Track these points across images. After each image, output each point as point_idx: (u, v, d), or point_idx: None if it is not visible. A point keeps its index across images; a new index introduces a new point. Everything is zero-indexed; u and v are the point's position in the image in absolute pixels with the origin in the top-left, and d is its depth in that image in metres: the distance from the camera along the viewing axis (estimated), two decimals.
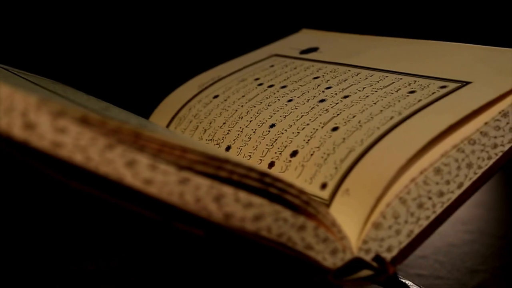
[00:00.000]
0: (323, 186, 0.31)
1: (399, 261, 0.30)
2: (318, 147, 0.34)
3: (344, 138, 0.33)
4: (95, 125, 0.22)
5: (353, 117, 0.34)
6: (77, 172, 0.22)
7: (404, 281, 0.36)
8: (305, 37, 0.51)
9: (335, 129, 0.34)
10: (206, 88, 0.46)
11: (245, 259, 0.36)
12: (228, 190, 0.25)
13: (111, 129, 0.23)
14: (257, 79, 0.44)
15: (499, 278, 0.46)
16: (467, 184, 0.31)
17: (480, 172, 0.31)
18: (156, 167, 0.24)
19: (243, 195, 0.26)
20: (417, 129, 0.31)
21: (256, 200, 0.26)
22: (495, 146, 0.32)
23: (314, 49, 0.47)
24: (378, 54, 0.42)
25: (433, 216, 0.30)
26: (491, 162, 0.32)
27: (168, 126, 0.44)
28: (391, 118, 0.33)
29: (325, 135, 0.34)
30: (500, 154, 0.32)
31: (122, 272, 0.40)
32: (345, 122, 0.34)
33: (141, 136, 0.23)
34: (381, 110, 0.34)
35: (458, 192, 0.31)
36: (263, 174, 0.26)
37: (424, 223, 0.30)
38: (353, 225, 0.29)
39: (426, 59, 0.39)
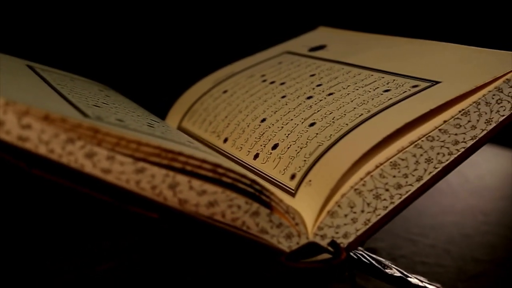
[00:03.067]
0: (292, 177, 0.34)
1: (355, 246, 0.33)
2: (294, 141, 0.36)
3: (317, 133, 0.36)
4: (57, 122, 0.26)
5: (330, 113, 0.37)
6: (41, 162, 0.26)
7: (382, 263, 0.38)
8: (319, 35, 0.53)
9: (312, 124, 0.37)
10: (219, 83, 0.49)
11: (202, 241, 0.39)
12: (182, 179, 0.29)
13: (72, 125, 0.27)
14: (263, 75, 0.47)
15: (501, 268, 0.47)
16: (426, 177, 0.33)
17: (440, 166, 0.33)
18: (113, 158, 0.28)
19: (197, 183, 0.29)
20: (378, 126, 0.34)
21: (210, 188, 0.29)
22: (456, 142, 0.33)
23: (322, 47, 0.49)
24: (376, 52, 0.44)
25: (391, 207, 0.33)
26: (452, 157, 0.33)
27: (183, 118, 0.48)
28: (360, 115, 0.35)
29: (302, 130, 0.37)
30: (462, 150, 0.34)
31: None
32: (321, 118, 0.37)
33: (100, 131, 0.27)
34: (355, 108, 0.36)
35: (417, 185, 0.33)
36: (216, 165, 0.29)
37: (382, 212, 0.33)
38: (312, 213, 0.32)
39: (412, 58, 0.41)
